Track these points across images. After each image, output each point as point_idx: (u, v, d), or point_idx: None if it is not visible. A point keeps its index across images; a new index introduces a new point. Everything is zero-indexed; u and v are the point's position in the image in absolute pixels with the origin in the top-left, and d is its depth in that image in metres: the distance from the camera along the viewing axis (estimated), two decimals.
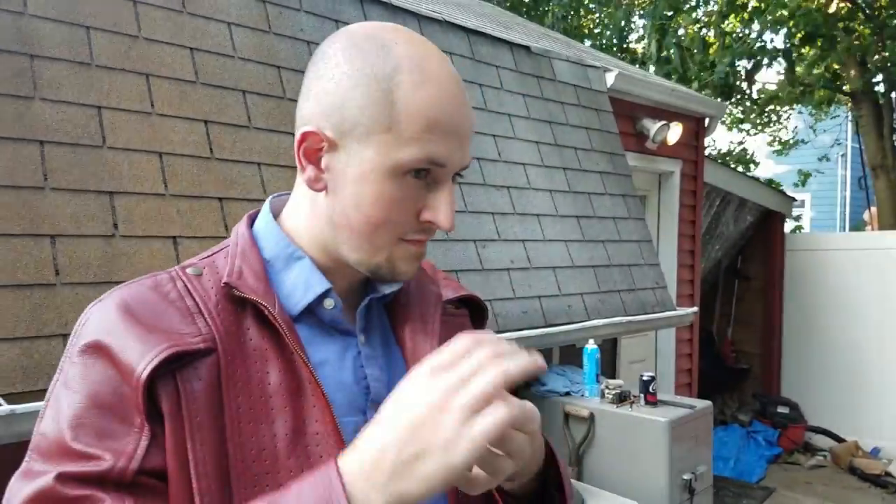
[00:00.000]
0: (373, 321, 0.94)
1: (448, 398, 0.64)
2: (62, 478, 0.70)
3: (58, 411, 0.74)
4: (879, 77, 9.20)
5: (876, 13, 8.84)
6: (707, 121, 6.12)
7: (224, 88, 2.55)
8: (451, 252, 3.14)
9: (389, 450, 0.65)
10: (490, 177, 3.48)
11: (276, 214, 0.92)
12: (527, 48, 4.02)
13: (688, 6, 10.54)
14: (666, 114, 5.51)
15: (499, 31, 4.00)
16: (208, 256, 0.89)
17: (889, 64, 8.87)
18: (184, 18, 2.53)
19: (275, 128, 2.63)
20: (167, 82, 2.42)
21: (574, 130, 4.15)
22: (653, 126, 5.30)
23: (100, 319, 0.78)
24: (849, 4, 8.90)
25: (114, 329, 0.76)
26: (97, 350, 0.75)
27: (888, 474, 6.28)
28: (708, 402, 3.72)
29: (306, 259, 0.88)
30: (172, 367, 0.74)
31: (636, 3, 11.25)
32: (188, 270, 0.85)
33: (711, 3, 10.66)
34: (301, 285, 0.87)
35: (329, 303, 0.87)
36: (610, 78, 4.70)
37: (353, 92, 0.79)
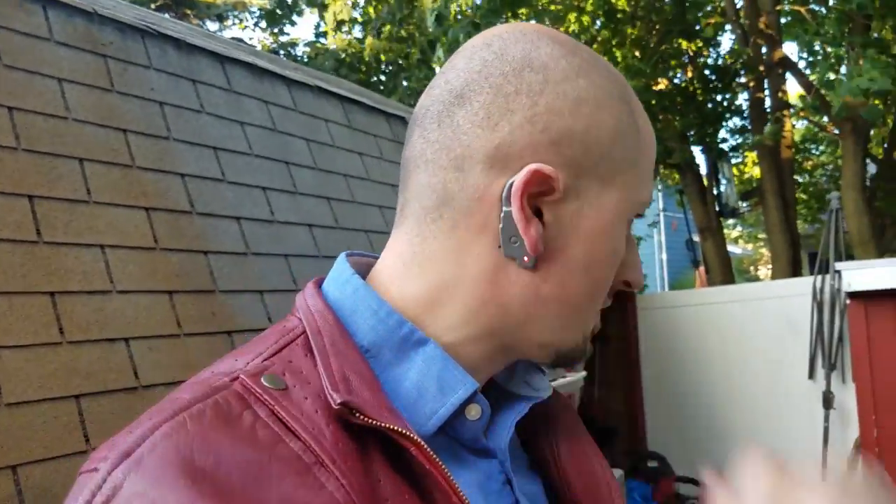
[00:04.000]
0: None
1: None
2: None
3: None
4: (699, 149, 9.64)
5: (694, 92, 9.27)
6: None
7: (55, 156, 1.93)
8: None
9: None
10: None
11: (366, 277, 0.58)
12: (402, 118, 3.62)
13: None
14: None
15: (375, 102, 3.58)
16: (270, 354, 0.50)
17: (706, 139, 9.33)
18: None
19: (122, 202, 2.01)
20: None
21: None
22: None
23: None
24: (671, 87, 9.30)
25: None
26: None
27: None
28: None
29: (431, 344, 0.53)
30: None
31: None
32: (263, 381, 0.47)
33: None
34: (432, 386, 0.52)
35: (474, 411, 0.54)
36: None
37: (600, 114, 0.53)
